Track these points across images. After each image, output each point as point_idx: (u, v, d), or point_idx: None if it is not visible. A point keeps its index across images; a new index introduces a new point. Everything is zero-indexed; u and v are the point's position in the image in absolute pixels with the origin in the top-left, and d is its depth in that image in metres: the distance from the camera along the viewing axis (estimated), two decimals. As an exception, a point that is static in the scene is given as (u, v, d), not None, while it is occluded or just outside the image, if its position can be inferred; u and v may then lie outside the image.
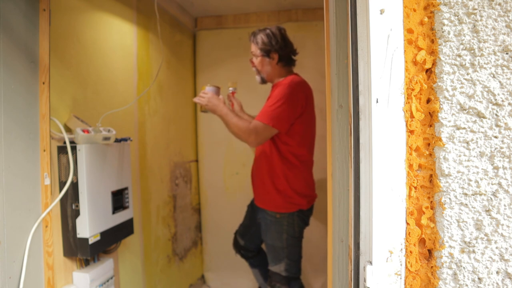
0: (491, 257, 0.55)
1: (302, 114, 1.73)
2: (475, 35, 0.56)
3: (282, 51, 1.78)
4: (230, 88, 2.01)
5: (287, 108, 1.65)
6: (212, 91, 1.75)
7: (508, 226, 0.55)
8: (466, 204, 0.56)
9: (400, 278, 0.57)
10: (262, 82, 1.90)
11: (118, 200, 1.50)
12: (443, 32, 0.56)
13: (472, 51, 0.56)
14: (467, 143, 0.56)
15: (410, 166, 0.58)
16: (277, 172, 1.77)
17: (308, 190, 1.84)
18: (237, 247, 2.11)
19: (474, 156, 0.56)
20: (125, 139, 1.58)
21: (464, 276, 0.56)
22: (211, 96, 1.70)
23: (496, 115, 0.55)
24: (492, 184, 0.55)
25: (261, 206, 1.84)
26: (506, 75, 0.55)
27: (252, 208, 2.01)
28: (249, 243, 2.06)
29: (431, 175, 0.58)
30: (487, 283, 0.56)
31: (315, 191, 1.92)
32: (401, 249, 0.57)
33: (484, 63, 0.55)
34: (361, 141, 0.61)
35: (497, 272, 0.55)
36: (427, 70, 0.58)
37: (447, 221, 0.56)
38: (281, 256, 1.78)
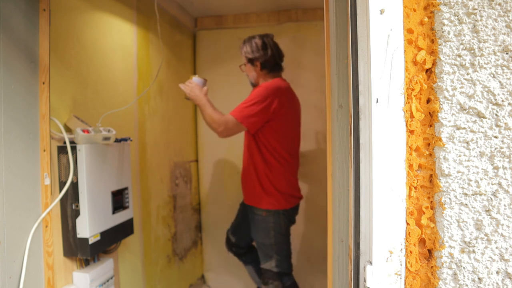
0: (491, 257, 0.55)
1: (274, 118, 1.82)
2: (475, 35, 0.56)
3: (263, 59, 1.90)
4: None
5: (257, 109, 1.76)
6: (197, 82, 1.82)
7: (508, 226, 0.55)
8: (466, 204, 0.56)
9: (400, 278, 0.57)
10: (253, 86, 2.00)
11: (118, 200, 1.50)
12: (443, 32, 0.56)
13: (472, 51, 0.56)
14: (467, 143, 0.56)
15: (410, 166, 0.58)
16: (260, 171, 1.87)
17: (290, 189, 1.92)
18: (229, 244, 2.17)
19: (474, 156, 0.56)
20: (125, 139, 1.58)
21: (464, 276, 0.56)
22: (194, 87, 1.79)
23: (496, 115, 0.55)
24: (492, 184, 0.55)
25: (249, 204, 1.92)
26: (506, 75, 0.55)
27: (244, 206, 2.08)
28: (240, 240, 2.12)
29: (431, 175, 0.58)
30: (487, 283, 0.55)
31: (299, 192, 2.00)
32: (401, 249, 0.57)
33: (484, 63, 0.55)
34: (361, 141, 0.61)
35: (497, 272, 0.55)
36: (427, 70, 0.58)
37: (447, 221, 0.56)
38: (270, 253, 1.86)
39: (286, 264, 1.89)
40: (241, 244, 2.13)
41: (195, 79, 1.82)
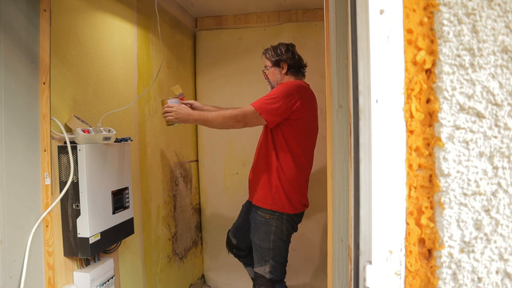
0: (490, 257, 0.56)
1: (295, 117, 1.78)
2: (474, 35, 0.56)
3: (290, 61, 1.90)
4: (177, 94, 1.92)
5: (278, 104, 1.71)
6: (175, 102, 1.74)
7: (507, 226, 0.55)
8: (466, 204, 0.56)
9: (400, 278, 0.57)
10: None
11: (119, 200, 1.50)
12: (442, 32, 0.57)
13: (472, 52, 0.56)
14: (467, 143, 0.56)
15: (410, 166, 0.58)
16: (273, 171, 1.82)
17: (300, 195, 1.87)
18: (230, 246, 2.15)
19: (474, 156, 0.56)
20: (125, 139, 1.58)
21: (463, 275, 0.56)
22: (178, 108, 1.72)
23: (496, 115, 0.55)
24: (491, 184, 0.55)
25: (254, 203, 1.87)
26: (505, 76, 0.55)
27: (247, 208, 2.05)
28: (241, 242, 2.09)
29: (430, 175, 0.58)
30: (486, 282, 0.56)
31: (307, 200, 1.95)
32: (401, 249, 0.57)
33: (484, 63, 0.55)
34: (361, 141, 0.61)
35: (497, 272, 0.56)
36: (426, 70, 0.58)
37: (447, 221, 0.56)
38: (267, 257, 1.81)
39: (280, 271, 1.84)
40: (242, 246, 2.10)
41: (172, 100, 1.74)
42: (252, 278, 2.00)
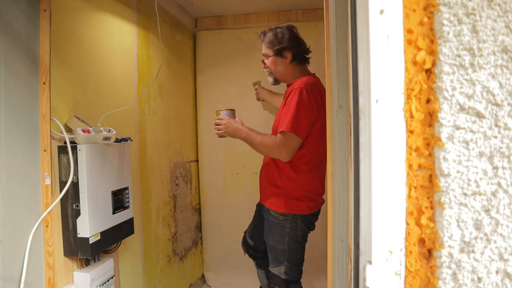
0: (490, 257, 0.56)
1: (318, 118, 1.68)
2: (474, 35, 0.56)
3: (295, 49, 1.73)
4: (256, 87, 2.12)
5: (303, 115, 1.60)
6: (227, 115, 1.70)
7: (507, 226, 0.55)
8: (466, 204, 0.56)
9: (400, 278, 0.57)
10: (275, 83, 1.85)
11: (119, 200, 1.50)
12: (442, 32, 0.57)
13: (472, 52, 0.56)
14: (467, 143, 0.56)
15: (410, 166, 0.58)
16: (283, 175, 1.75)
17: (314, 195, 1.79)
18: (246, 246, 2.08)
19: (474, 156, 0.56)
20: (125, 139, 1.58)
21: (463, 275, 0.56)
22: (228, 122, 1.66)
23: (496, 115, 0.55)
24: (491, 184, 0.55)
25: (265, 205, 1.81)
26: (505, 76, 0.55)
27: (259, 207, 1.97)
28: (258, 243, 2.01)
29: (430, 175, 0.58)
30: (486, 282, 0.56)
31: (321, 197, 1.85)
32: (401, 249, 0.57)
33: (484, 63, 0.55)
34: (361, 141, 0.61)
35: (497, 272, 0.56)
36: (426, 70, 0.58)
37: (447, 221, 0.56)
38: (281, 259, 1.75)
39: (296, 272, 1.77)
40: (260, 248, 2.01)
41: (224, 112, 1.70)
42: (267, 278, 1.94)
